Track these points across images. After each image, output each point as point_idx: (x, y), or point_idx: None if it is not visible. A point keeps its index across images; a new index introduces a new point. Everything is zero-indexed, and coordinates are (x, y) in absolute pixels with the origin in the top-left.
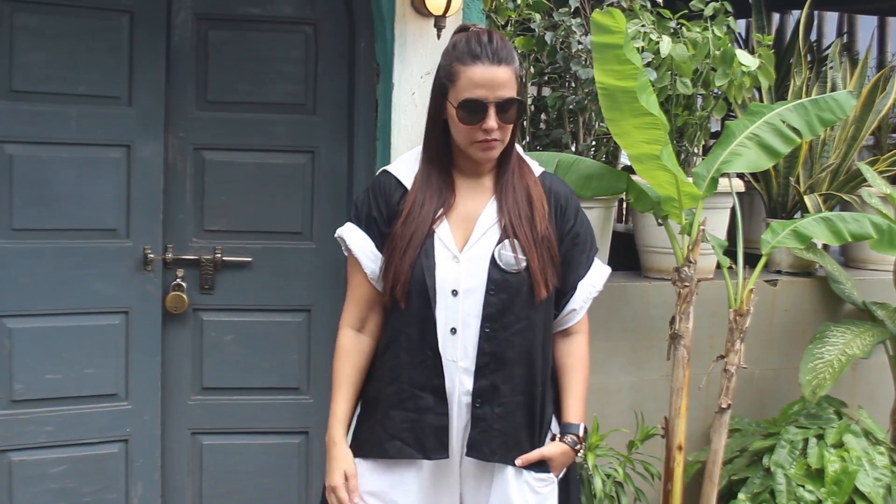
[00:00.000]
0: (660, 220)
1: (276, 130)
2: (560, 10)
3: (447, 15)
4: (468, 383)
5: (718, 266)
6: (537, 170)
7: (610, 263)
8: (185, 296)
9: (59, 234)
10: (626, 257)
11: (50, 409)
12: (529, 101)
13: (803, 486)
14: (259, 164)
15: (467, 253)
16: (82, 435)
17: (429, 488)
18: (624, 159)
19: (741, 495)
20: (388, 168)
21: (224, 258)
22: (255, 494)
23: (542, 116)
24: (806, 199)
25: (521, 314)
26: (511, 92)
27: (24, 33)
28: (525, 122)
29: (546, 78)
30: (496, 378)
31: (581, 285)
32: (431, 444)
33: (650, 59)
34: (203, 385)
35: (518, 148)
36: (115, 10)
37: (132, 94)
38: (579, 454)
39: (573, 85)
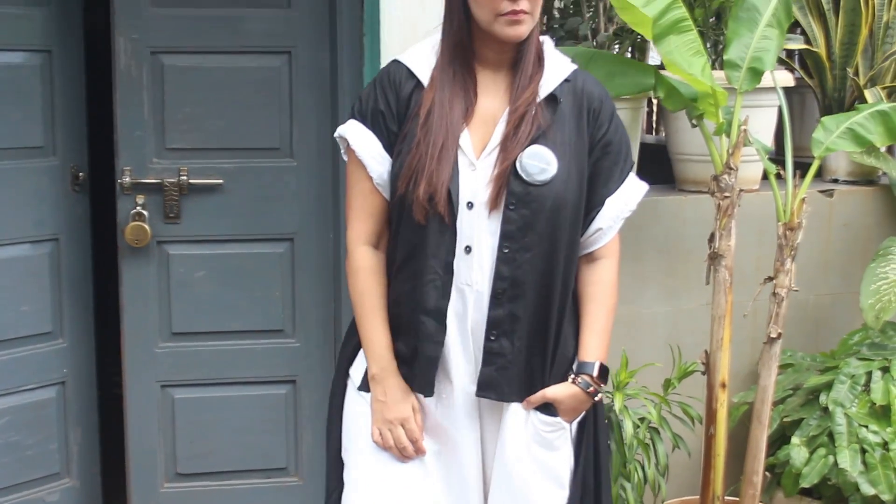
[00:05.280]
0: (694, 121)
1: (246, 28)
2: None
3: None
4: (482, 312)
5: (765, 176)
6: (569, 66)
7: (641, 177)
8: (146, 226)
9: None
10: (658, 169)
11: None
12: None
13: (867, 427)
14: (228, 68)
15: (485, 160)
16: (22, 381)
17: (449, 422)
18: (652, 60)
19: (795, 439)
20: (398, 57)
21: (191, 181)
22: (237, 454)
23: (556, 3)
24: (866, 93)
25: (543, 233)
26: None
27: None
28: None
29: None
30: (514, 307)
31: (610, 201)
32: (420, 379)
33: None
34: (172, 330)
35: (547, 40)
36: None
37: None
38: (597, 398)
39: None
